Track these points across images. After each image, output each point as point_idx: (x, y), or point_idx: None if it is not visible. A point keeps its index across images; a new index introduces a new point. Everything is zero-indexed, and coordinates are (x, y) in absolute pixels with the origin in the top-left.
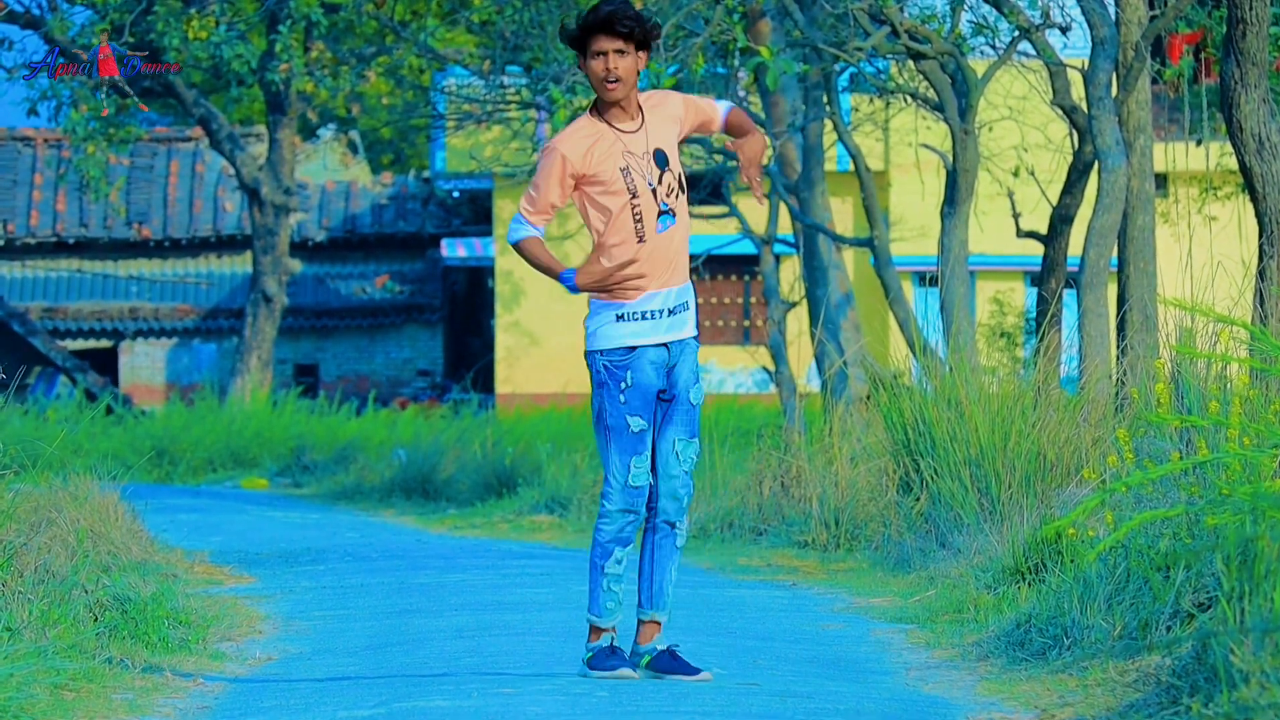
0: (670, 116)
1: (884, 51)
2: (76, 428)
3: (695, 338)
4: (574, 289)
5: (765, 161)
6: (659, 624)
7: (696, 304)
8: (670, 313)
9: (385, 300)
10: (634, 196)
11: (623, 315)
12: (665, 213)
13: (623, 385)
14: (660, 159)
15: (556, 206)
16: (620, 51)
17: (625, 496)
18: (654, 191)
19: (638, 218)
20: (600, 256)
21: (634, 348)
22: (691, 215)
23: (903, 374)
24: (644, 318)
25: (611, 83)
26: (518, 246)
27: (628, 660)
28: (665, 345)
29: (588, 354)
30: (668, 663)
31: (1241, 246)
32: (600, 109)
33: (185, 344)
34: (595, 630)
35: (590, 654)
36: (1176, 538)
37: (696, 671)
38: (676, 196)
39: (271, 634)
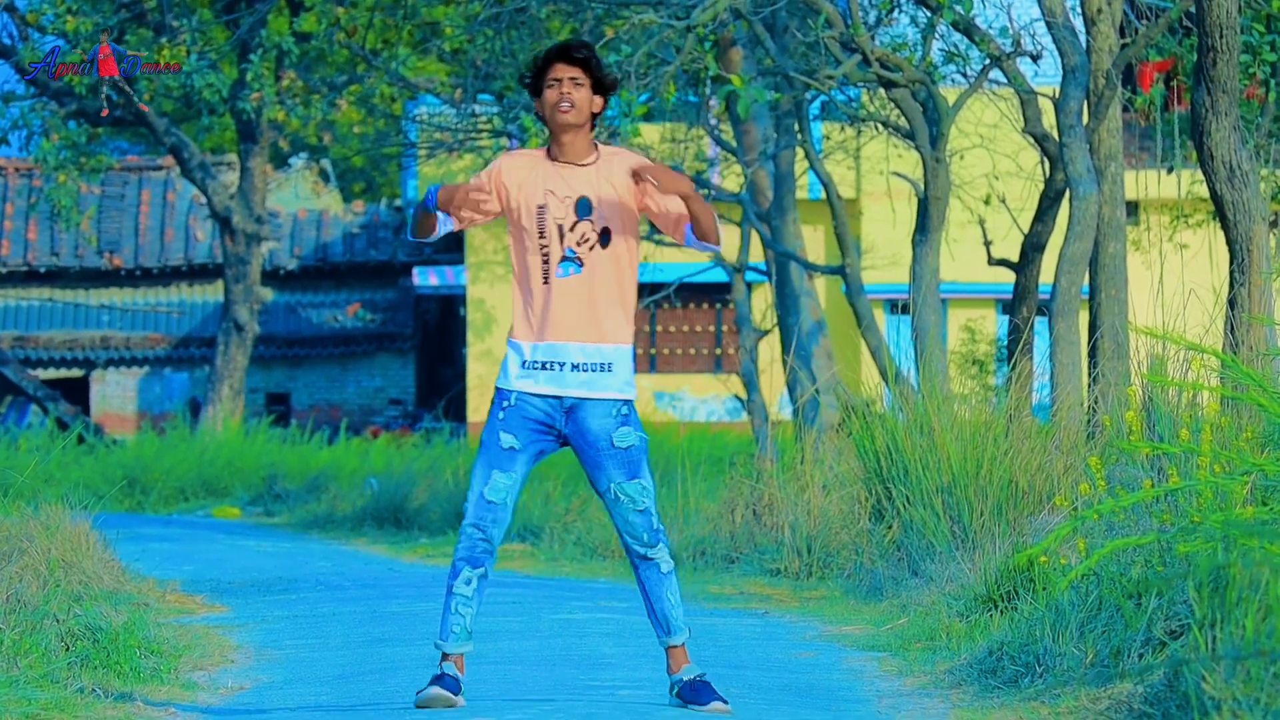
0: (626, 171)
1: (855, 80)
2: (48, 457)
3: (624, 400)
4: (431, 203)
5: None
6: (680, 648)
7: (631, 369)
8: (576, 368)
9: (357, 329)
10: (542, 235)
11: (525, 362)
12: (569, 259)
13: (505, 404)
14: (582, 207)
15: (471, 193)
16: (575, 80)
17: (477, 510)
18: (561, 236)
19: (545, 258)
20: (515, 297)
21: (524, 393)
22: (662, 244)
23: (875, 402)
24: (542, 368)
25: (564, 108)
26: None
27: (446, 683)
28: (559, 399)
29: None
30: (688, 692)
31: (1213, 274)
32: (550, 149)
33: (157, 373)
34: (443, 656)
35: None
36: (1148, 565)
37: (710, 701)
38: (591, 248)
39: (244, 663)
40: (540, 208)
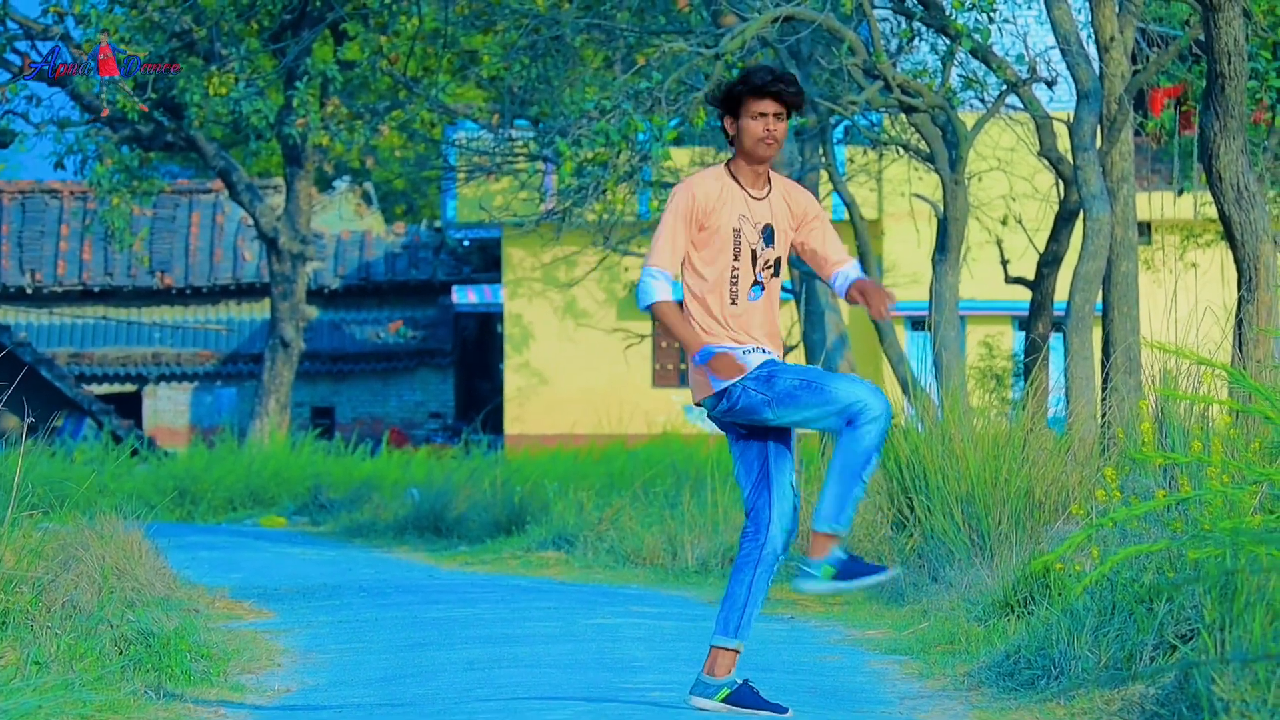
0: (797, 209)
1: (877, 105)
2: (102, 469)
3: None
4: (702, 362)
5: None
6: (739, 653)
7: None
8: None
9: (398, 345)
10: (735, 258)
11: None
12: (757, 284)
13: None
14: (768, 235)
15: (685, 250)
16: (778, 115)
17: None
18: (754, 261)
19: (734, 279)
20: (691, 307)
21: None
22: None
23: (896, 415)
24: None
25: (769, 143)
26: (654, 310)
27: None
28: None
29: (725, 392)
30: (750, 697)
31: (1223, 291)
32: (733, 168)
33: (207, 387)
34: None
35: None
36: (1160, 571)
37: (784, 710)
38: (772, 273)
39: (290, 666)
40: (735, 231)
